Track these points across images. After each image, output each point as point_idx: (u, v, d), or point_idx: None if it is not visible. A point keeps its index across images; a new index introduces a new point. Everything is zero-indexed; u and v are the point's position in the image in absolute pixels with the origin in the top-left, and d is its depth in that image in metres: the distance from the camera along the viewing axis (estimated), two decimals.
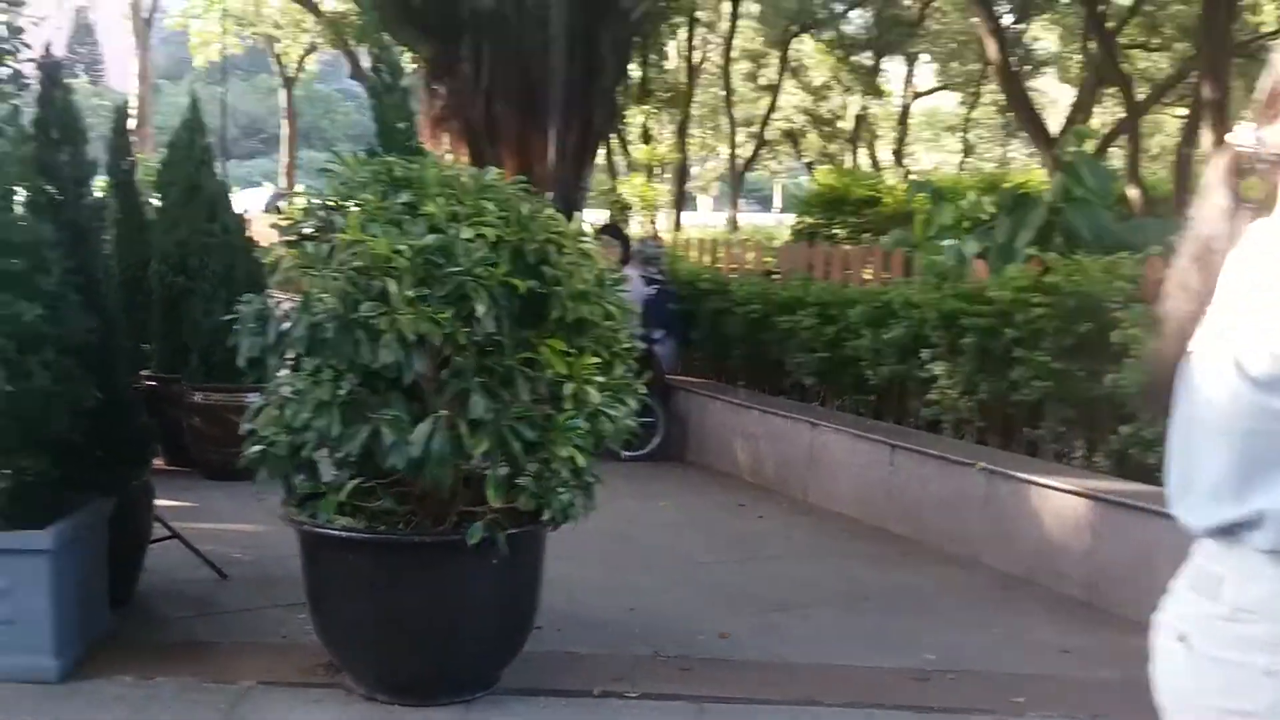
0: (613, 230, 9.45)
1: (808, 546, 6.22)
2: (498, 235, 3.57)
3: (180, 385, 7.15)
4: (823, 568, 5.79)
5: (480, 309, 3.43)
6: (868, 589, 5.48)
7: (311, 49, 25.65)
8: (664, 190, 27.19)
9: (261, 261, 7.28)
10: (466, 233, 3.51)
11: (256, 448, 3.78)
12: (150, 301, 7.25)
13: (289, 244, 3.71)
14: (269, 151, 45.69)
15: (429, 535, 3.78)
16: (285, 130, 27.75)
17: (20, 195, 4.25)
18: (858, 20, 27.65)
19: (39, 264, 4.07)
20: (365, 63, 19.48)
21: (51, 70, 4.49)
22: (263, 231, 7.56)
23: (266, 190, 28.22)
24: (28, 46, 4.19)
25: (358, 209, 3.56)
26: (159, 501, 5.11)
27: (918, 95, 33.22)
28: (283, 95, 29.02)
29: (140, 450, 4.84)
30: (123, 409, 4.67)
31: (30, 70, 4.24)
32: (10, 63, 4.10)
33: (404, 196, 3.64)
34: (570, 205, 9.63)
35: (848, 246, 11.78)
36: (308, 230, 3.69)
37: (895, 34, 27.01)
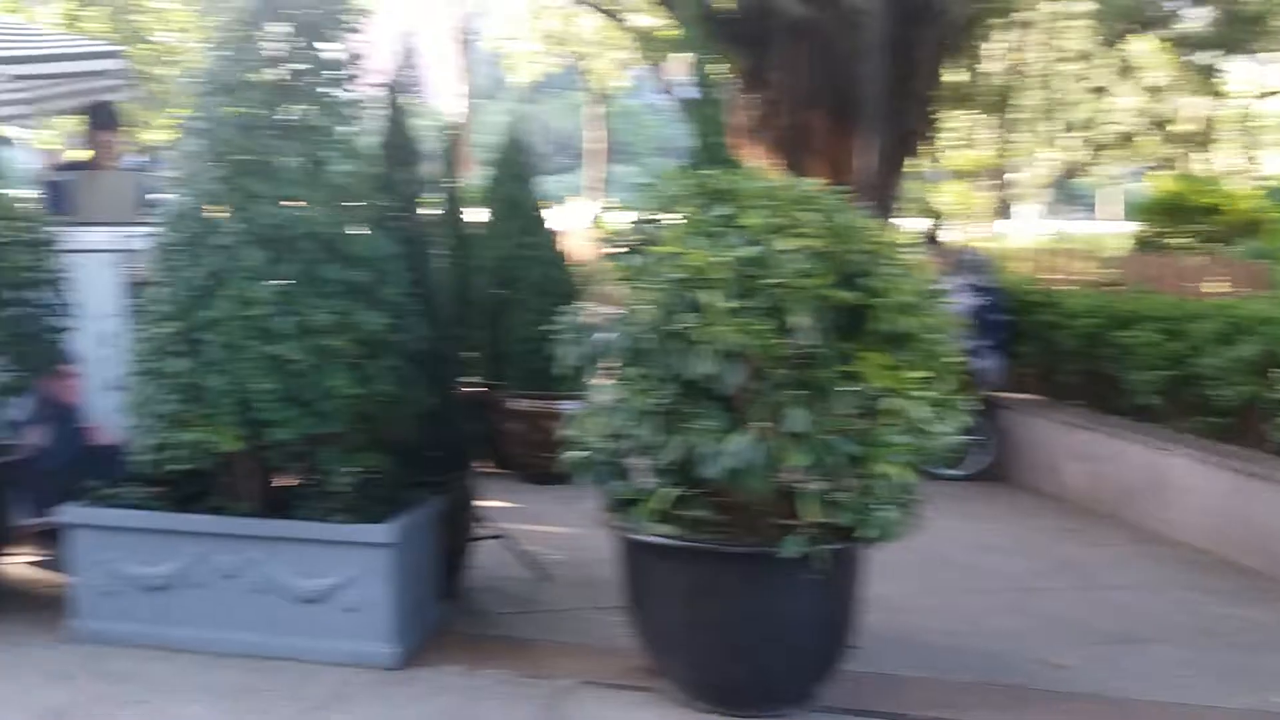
0: (932, 239, 9.21)
1: (1148, 577, 5.87)
2: (817, 246, 3.54)
3: (501, 393, 7.48)
4: (1164, 600, 5.46)
5: (798, 321, 3.41)
6: (1214, 624, 5.12)
7: (623, 65, 26.33)
8: (982, 198, 26.28)
9: (575, 274, 7.55)
10: (785, 244, 3.50)
11: (577, 453, 3.89)
12: (473, 313, 7.63)
13: (610, 256, 3.80)
14: (578, 167, 47.21)
15: (745, 546, 3.78)
16: (595, 146, 28.59)
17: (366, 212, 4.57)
18: (1197, 17, 25.76)
19: (383, 276, 4.35)
20: (675, 77, 19.85)
21: (392, 93, 4.80)
22: (580, 245, 7.81)
23: (578, 204, 29.16)
24: (376, 71, 4.49)
25: (677, 222, 3.61)
26: (482, 502, 5.34)
27: (1265, 95, 30.62)
28: (592, 111, 29.93)
29: (469, 453, 5.08)
30: (454, 413, 4.93)
31: (371, 93, 4.52)
32: (352, 87, 4.38)
33: (723, 209, 3.67)
34: (883, 214, 9.45)
35: (1193, 257, 10.98)
36: (628, 243, 3.77)
37: (1239, 31, 25.02)
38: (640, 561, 3.98)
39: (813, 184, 3.91)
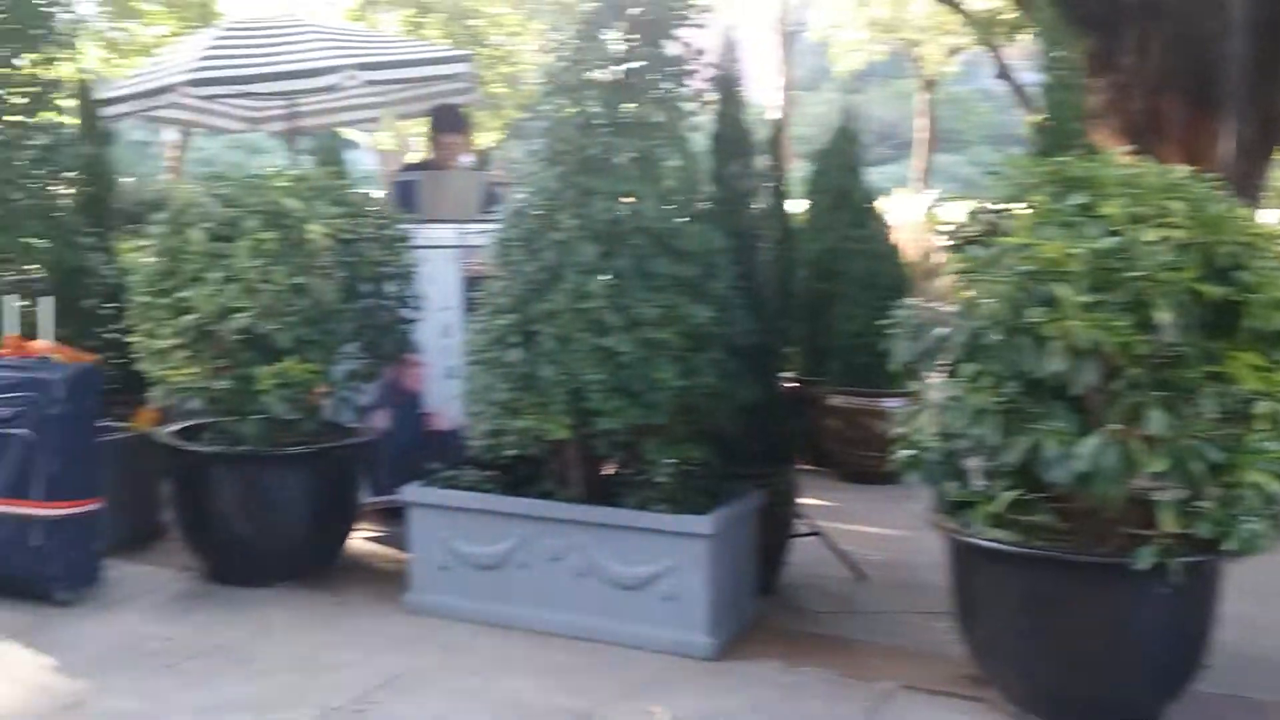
0: None
1: None
2: (1184, 238, 3.27)
3: (820, 388, 7.38)
4: None
5: (1162, 317, 3.17)
6: None
7: (954, 51, 25.64)
8: None
9: (904, 267, 7.35)
10: (1149, 235, 3.25)
11: (907, 452, 3.76)
12: (794, 306, 7.55)
13: (952, 248, 3.64)
14: (900, 157, 46.39)
15: (1092, 555, 3.57)
16: (920, 135, 27.96)
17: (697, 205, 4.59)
18: None
19: (711, 270, 4.36)
20: (1013, 61, 19.11)
21: (726, 86, 4.79)
22: (908, 237, 7.57)
23: (904, 195, 28.55)
24: (709, 66, 4.50)
25: (1028, 211, 3.42)
26: (801, 499, 5.27)
27: None
28: (919, 100, 29.28)
29: (789, 448, 5.02)
30: (776, 408, 4.88)
31: (703, 87, 4.52)
32: (689, 81, 4.40)
33: (1079, 198, 3.45)
34: (1249, 204, 8.72)
35: None
36: (970, 234, 3.60)
37: None
38: (973, 566, 3.81)
39: (1179, 171, 3.62)
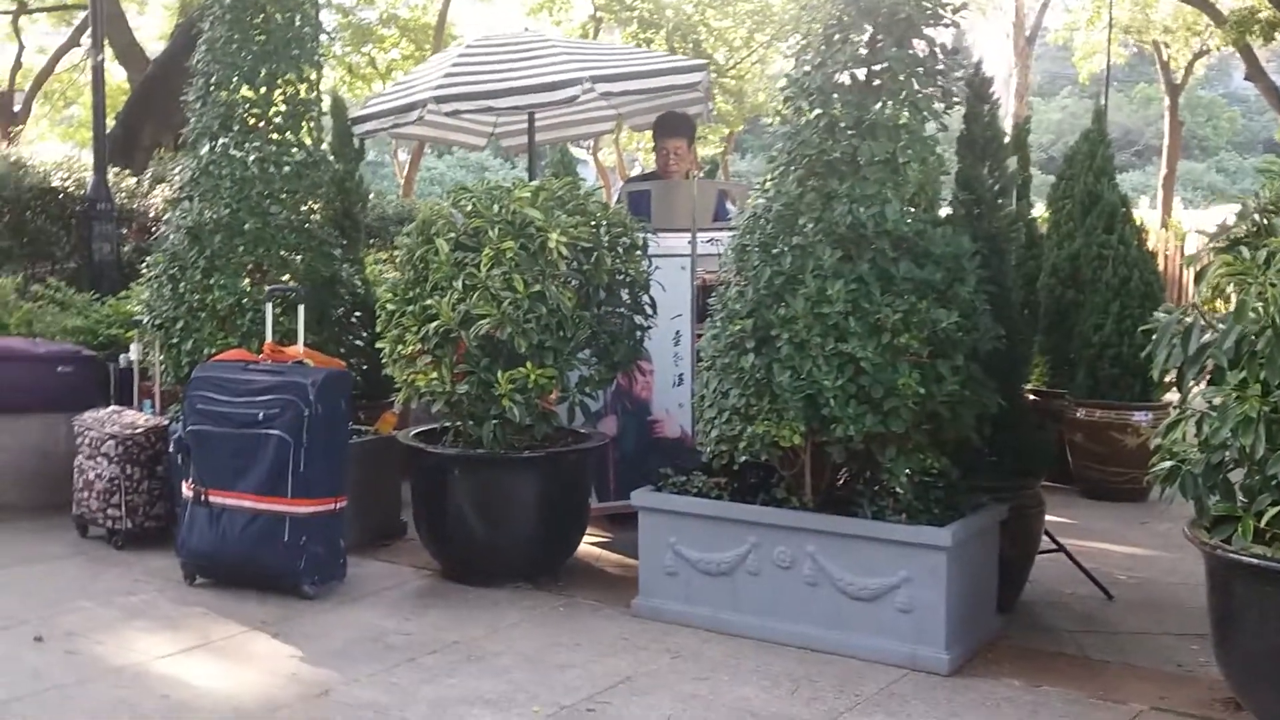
0: None
1: None
2: None
3: (1063, 400, 7.11)
4: None
5: None
6: None
7: (1202, 52, 24.39)
8: None
9: (1158, 275, 7.01)
10: None
11: (1166, 463, 3.57)
12: (1037, 315, 7.31)
13: (1218, 251, 3.44)
14: (1141, 164, 44.41)
15: None
16: (1165, 141, 26.64)
17: (945, 209, 4.49)
18: None
19: (956, 274, 4.25)
20: (1265, 62, 18.06)
21: (978, 87, 4.67)
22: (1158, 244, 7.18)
23: (1150, 201, 27.33)
24: (963, 66, 4.40)
25: None
26: (1046, 515, 5.07)
27: None
28: (1163, 105, 27.92)
29: (1035, 460, 4.84)
30: (1021, 418, 4.72)
31: (951, 89, 4.42)
32: (942, 81, 4.30)
33: None
34: None
35: None
36: (1240, 235, 3.40)
37: None
38: (1233, 584, 3.59)
39: None
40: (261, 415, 4.90)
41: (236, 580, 5.01)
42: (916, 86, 4.28)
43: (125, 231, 9.00)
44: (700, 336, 4.83)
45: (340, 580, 5.09)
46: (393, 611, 4.82)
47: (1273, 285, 3.13)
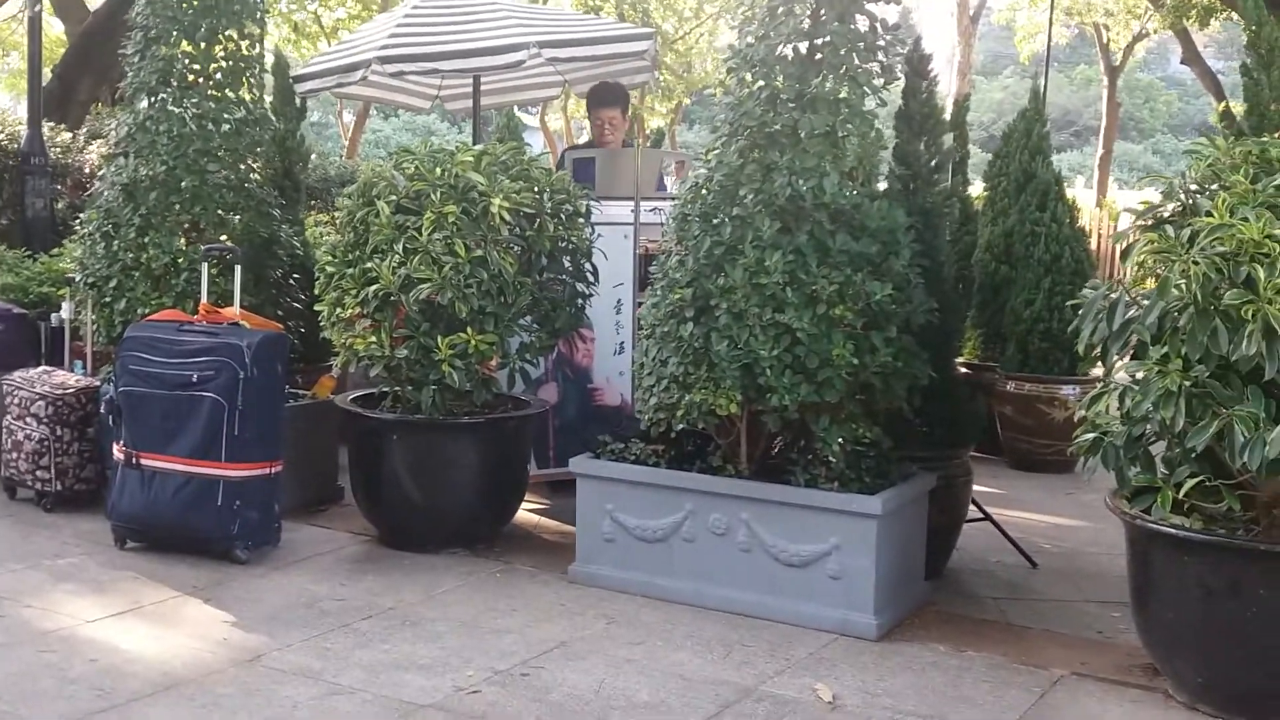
0: None
1: None
2: None
3: (994, 373, 7.23)
4: None
5: None
6: None
7: (1141, 35, 24.76)
8: None
9: (1089, 253, 7.14)
10: None
11: (1089, 435, 3.67)
12: (970, 289, 7.42)
13: (1145, 229, 3.53)
14: (1079, 145, 45.01)
15: (1277, 544, 3.45)
16: (1103, 122, 27.04)
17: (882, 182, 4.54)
18: None
19: (891, 247, 4.31)
20: (1201, 47, 18.38)
21: (917, 64, 4.73)
22: (1091, 221, 7.28)
23: (1086, 181, 27.72)
24: (903, 43, 4.45)
25: (1225, 192, 3.30)
26: (973, 484, 5.17)
27: None
28: (1102, 86, 28.33)
29: (964, 431, 4.93)
30: (952, 390, 4.81)
31: (891, 64, 4.46)
32: (882, 57, 4.35)
33: (1279, 179, 3.31)
34: None
35: None
36: (1166, 215, 3.48)
37: None
38: (1152, 553, 3.72)
39: None
40: (195, 377, 4.86)
41: (168, 545, 4.97)
42: (857, 61, 4.32)
43: (60, 187, 8.84)
44: (641, 305, 4.86)
45: (274, 545, 5.07)
46: (327, 577, 4.82)
47: (1195, 264, 3.21)
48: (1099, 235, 16.50)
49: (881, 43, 4.37)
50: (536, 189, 5.14)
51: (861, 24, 4.37)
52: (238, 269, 5.47)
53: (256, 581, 4.73)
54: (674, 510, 4.57)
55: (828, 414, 4.30)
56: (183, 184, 5.82)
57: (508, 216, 4.91)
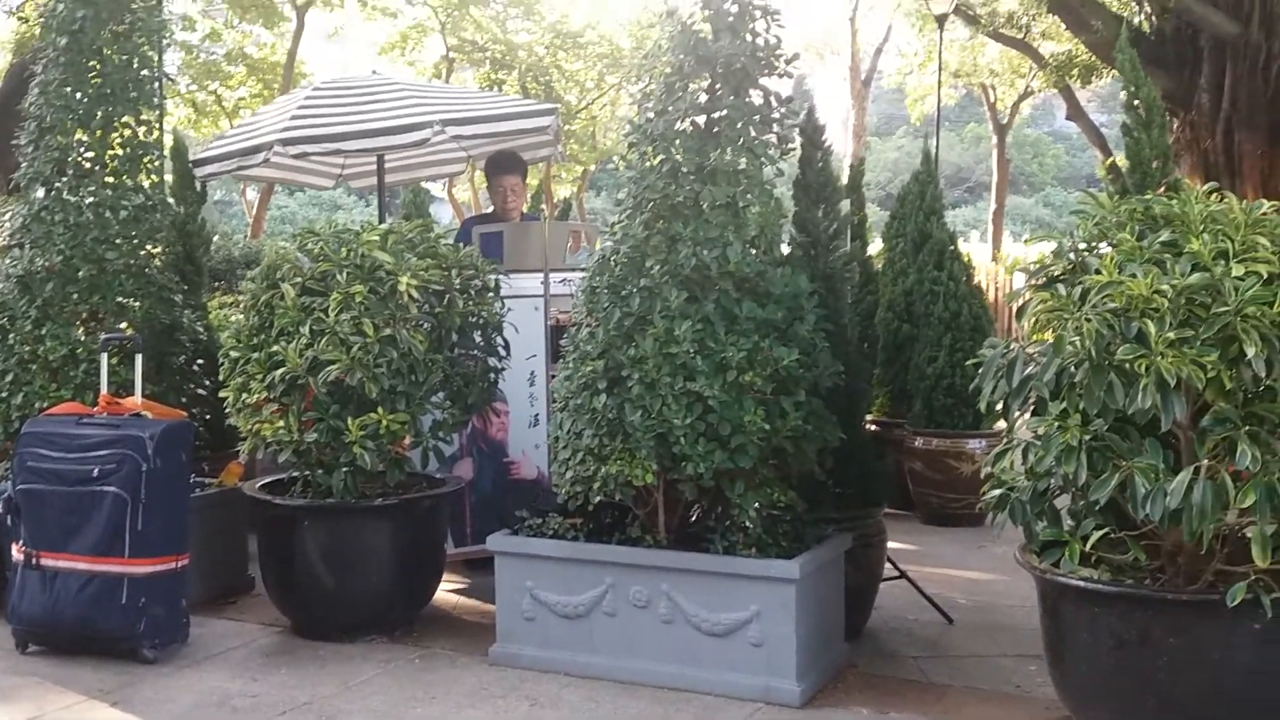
0: None
1: None
2: (1271, 272, 3.26)
3: (902, 430, 7.35)
4: None
5: (1250, 351, 3.16)
6: None
7: (1027, 94, 25.64)
8: None
9: (986, 309, 7.33)
10: (1236, 270, 3.24)
11: (996, 491, 3.74)
12: (875, 348, 7.56)
13: (1037, 288, 3.63)
14: (972, 200, 46.22)
15: (1184, 593, 3.53)
16: (993, 178, 27.87)
17: (784, 249, 4.62)
18: None
19: (796, 313, 4.38)
20: (1085, 104, 19.08)
21: (812, 134, 4.84)
22: (986, 279, 7.46)
23: (979, 238, 28.51)
24: (796, 114, 4.55)
25: (1114, 249, 3.42)
26: (887, 543, 5.23)
27: None
28: (991, 144, 29.23)
29: (876, 490, 5.00)
30: (862, 450, 4.88)
31: (786, 134, 4.57)
32: (778, 128, 4.45)
33: (1164, 235, 3.45)
34: None
35: None
36: (1057, 273, 3.59)
37: None
38: (1063, 606, 3.77)
39: (1268, 206, 3.59)
40: (97, 471, 4.73)
41: (72, 647, 4.80)
42: (754, 133, 4.40)
43: None
44: (554, 377, 4.87)
45: (183, 642, 4.93)
46: (239, 672, 4.70)
47: (1088, 320, 3.31)
48: (995, 289, 16.92)
49: (776, 115, 4.47)
50: (444, 265, 5.13)
51: (756, 98, 4.46)
52: (138, 357, 5.36)
53: (166, 681, 4.59)
54: (594, 584, 4.54)
55: (742, 480, 4.33)
56: (80, 273, 5.73)
57: (416, 294, 4.90)
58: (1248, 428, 3.29)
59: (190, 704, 4.36)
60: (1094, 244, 3.62)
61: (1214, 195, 3.69)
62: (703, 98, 4.44)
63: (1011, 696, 4.36)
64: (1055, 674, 3.90)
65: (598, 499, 4.47)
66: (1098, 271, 3.38)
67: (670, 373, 4.23)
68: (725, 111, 4.39)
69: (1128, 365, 3.26)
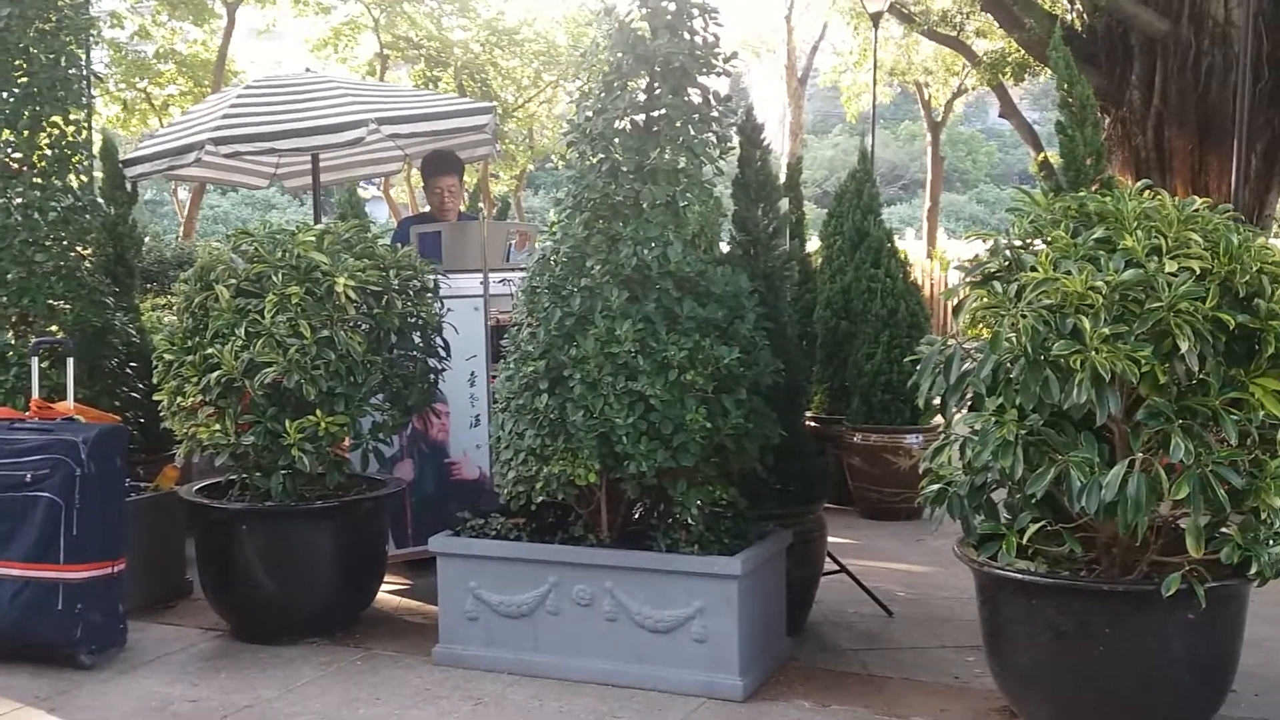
0: None
1: None
2: (1203, 268, 3.33)
3: (841, 426, 7.41)
4: None
5: (1184, 346, 3.23)
6: None
7: (961, 91, 25.95)
8: None
9: (923, 305, 7.41)
10: (1169, 266, 3.31)
11: (934, 485, 3.79)
12: (814, 345, 7.61)
13: (973, 285, 3.68)
14: (907, 198, 46.70)
15: (1119, 584, 3.60)
16: (928, 175, 28.18)
17: (723, 248, 4.64)
18: None
19: (737, 312, 4.40)
20: (1017, 100, 19.36)
21: (751, 133, 4.86)
22: (922, 275, 7.54)
23: (914, 235, 28.85)
24: (735, 113, 4.57)
25: (1048, 246, 3.48)
26: (828, 538, 5.27)
27: None
28: (926, 141, 29.54)
29: (816, 486, 5.04)
30: (802, 447, 4.91)
31: (725, 133, 4.58)
32: (717, 127, 4.46)
33: (1098, 232, 3.51)
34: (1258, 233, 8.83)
35: None
36: (993, 270, 3.64)
37: None
38: (1001, 597, 3.83)
39: (1199, 203, 3.67)
40: (29, 477, 4.64)
41: (7, 654, 4.70)
42: (693, 132, 4.42)
43: None
44: (495, 377, 4.84)
45: (121, 647, 4.85)
46: (178, 677, 4.63)
47: (1023, 317, 3.37)
48: (931, 285, 17.12)
49: (715, 114, 4.48)
50: (382, 266, 5.10)
51: (695, 96, 4.47)
52: (70, 361, 5.27)
53: (103, 687, 4.52)
54: (538, 584, 4.54)
55: (684, 478, 4.34)
56: (9, 275, 5.62)
57: (353, 295, 4.86)
58: (1181, 421, 3.36)
59: (130, 709, 4.29)
60: (1029, 241, 3.67)
61: (1146, 192, 3.76)
62: (641, 96, 4.45)
63: (951, 688, 4.41)
64: (994, 665, 3.95)
65: (540, 499, 4.47)
66: (1033, 268, 3.43)
67: (612, 372, 4.24)
68: (664, 110, 4.41)
69: (1063, 360, 3.32)
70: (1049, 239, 3.54)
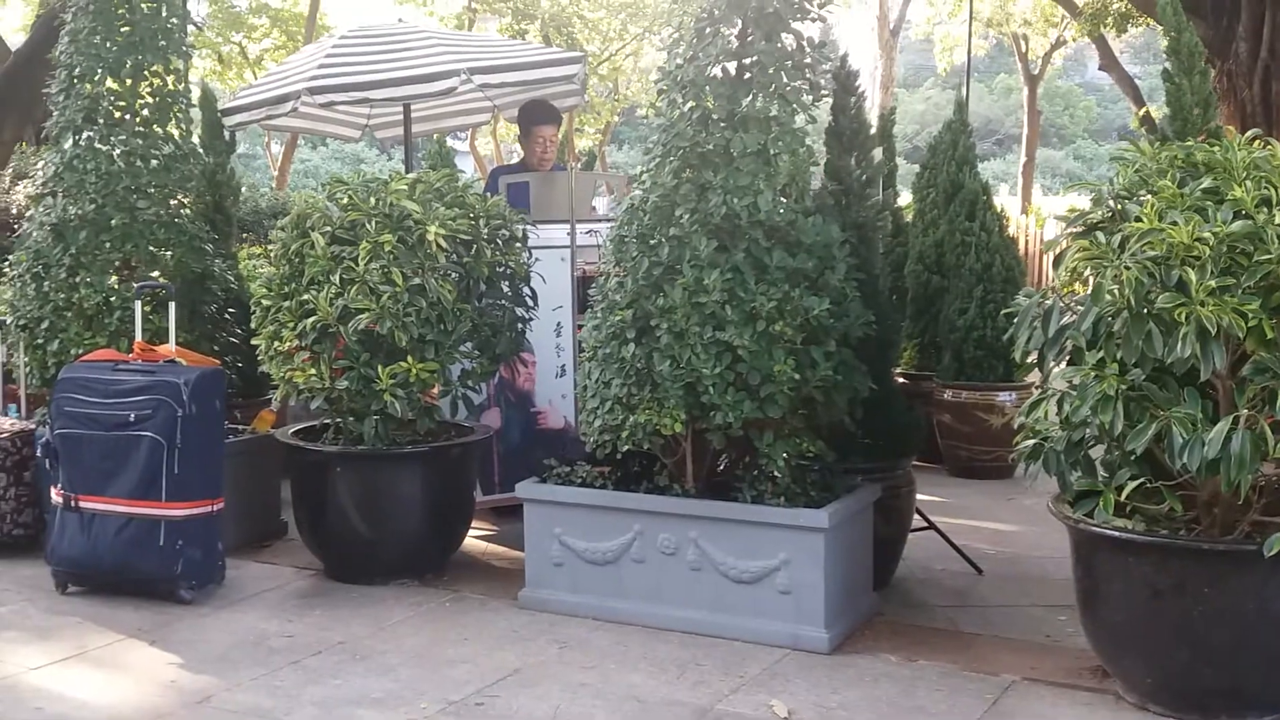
0: None
1: None
2: None
3: (931, 382, 7.32)
4: None
5: None
6: None
7: (1059, 43, 25.31)
8: None
9: (1019, 260, 7.27)
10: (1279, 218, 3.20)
11: (1030, 441, 3.73)
12: (904, 300, 7.52)
13: (1076, 236, 3.60)
14: (1001, 153, 45.78)
15: (1220, 543, 3.52)
16: (1025, 130, 27.56)
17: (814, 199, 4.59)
18: None
19: (827, 262, 4.36)
20: (1118, 53, 18.83)
21: (845, 80, 4.79)
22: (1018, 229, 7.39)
23: (1011, 189, 28.26)
24: (829, 59, 4.50)
25: (1153, 196, 3.38)
26: (917, 494, 5.22)
27: None
28: (1022, 95, 28.89)
29: (905, 441, 4.99)
30: (892, 401, 4.87)
31: (820, 81, 4.51)
32: (810, 74, 4.40)
33: (1205, 182, 3.40)
34: None
35: None
36: (1096, 220, 3.55)
37: None
38: (1097, 556, 3.77)
39: None
40: (133, 416, 4.78)
41: (111, 588, 4.88)
42: (785, 79, 4.35)
43: None
44: (581, 327, 4.86)
45: (219, 584, 5.00)
46: (274, 613, 4.76)
47: (1127, 269, 3.29)
48: (1026, 241, 16.79)
49: (808, 60, 4.41)
50: (472, 215, 5.13)
51: (788, 42, 4.40)
52: (171, 305, 5.41)
53: (202, 621, 4.66)
54: (622, 531, 4.57)
55: (771, 430, 4.33)
56: (112, 222, 5.75)
57: (444, 244, 4.90)
58: None
59: (227, 643, 4.42)
60: (1134, 191, 3.58)
61: (1256, 142, 3.63)
62: (734, 43, 4.40)
63: (1042, 646, 4.36)
64: (1087, 623, 3.90)
65: (625, 448, 4.48)
66: (1138, 219, 3.34)
67: (699, 322, 4.23)
68: (757, 57, 4.35)
69: (1167, 314, 3.24)
70: (1155, 189, 3.45)
